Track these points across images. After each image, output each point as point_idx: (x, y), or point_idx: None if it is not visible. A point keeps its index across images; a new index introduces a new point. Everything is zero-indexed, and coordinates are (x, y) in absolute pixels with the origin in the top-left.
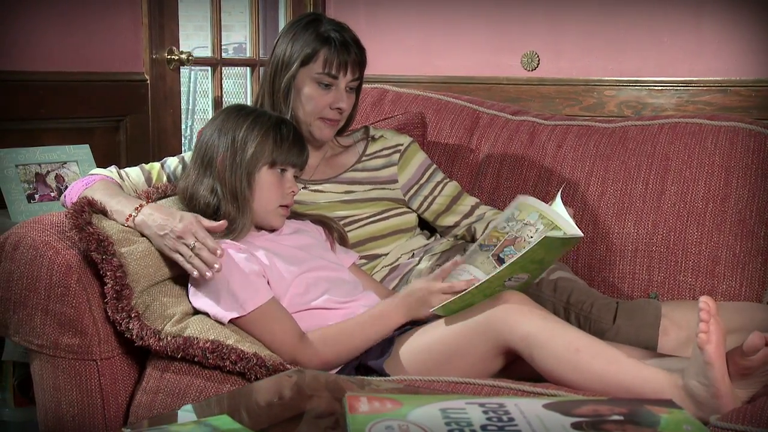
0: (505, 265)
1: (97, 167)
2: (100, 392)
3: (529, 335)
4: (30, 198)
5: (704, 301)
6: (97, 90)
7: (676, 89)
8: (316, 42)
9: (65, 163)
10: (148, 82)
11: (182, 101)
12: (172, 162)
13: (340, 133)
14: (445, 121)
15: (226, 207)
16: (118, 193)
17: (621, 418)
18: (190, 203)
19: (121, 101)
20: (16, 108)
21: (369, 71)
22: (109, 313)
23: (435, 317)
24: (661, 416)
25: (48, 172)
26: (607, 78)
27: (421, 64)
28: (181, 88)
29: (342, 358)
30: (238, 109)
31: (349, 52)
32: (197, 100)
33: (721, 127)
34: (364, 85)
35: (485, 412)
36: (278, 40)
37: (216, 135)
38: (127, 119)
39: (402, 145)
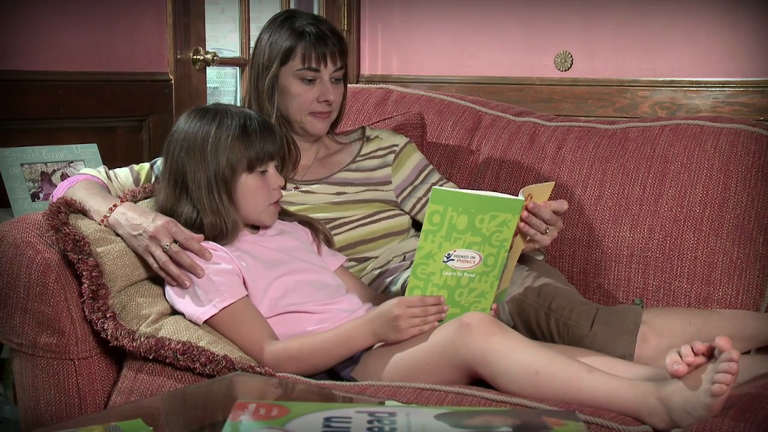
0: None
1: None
2: (78, 392)
3: (488, 361)
4: (35, 197)
5: (731, 364)
6: (119, 89)
7: (712, 90)
8: (292, 38)
9: (72, 162)
10: (173, 82)
11: (233, 102)
12: (161, 162)
13: (333, 126)
14: (447, 121)
15: (211, 220)
16: (98, 192)
17: (509, 429)
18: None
19: (144, 101)
20: (36, 108)
21: (402, 72)
22: (86, 313)
23: None
24: (553, 428)
25: (54, 171)
26: (641, 78)
27: (455, 64)
28: (222, 88)
29: (303, 373)
30: (199, 118)
31: (327, 43)
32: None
33: (722, 129)
34: (368, 86)
35: (370, 422)
36: (256, 42)
37: (183, 153)
38: (150, 119)
39: (397, 145)
